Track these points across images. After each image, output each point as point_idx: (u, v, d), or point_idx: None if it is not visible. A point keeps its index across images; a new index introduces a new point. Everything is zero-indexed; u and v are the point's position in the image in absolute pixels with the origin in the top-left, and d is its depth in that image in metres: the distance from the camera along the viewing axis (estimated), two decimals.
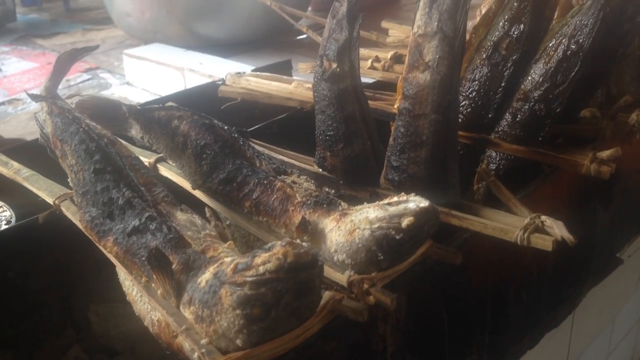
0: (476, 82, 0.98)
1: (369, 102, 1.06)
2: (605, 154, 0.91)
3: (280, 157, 1.00)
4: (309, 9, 3.29)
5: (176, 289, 0.66)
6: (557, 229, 0.76)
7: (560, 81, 0.90)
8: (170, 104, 1.17)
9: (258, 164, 0.85)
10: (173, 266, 0.67)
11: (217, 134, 0.87)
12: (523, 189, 0.91)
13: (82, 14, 3.57)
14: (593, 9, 0.87)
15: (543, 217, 0.79)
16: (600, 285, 1.34)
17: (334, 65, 0.88)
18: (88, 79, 2.66)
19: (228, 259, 0.63)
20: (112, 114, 0.96)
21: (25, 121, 2.26)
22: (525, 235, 0.77)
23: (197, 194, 0.89)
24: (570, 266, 1.10)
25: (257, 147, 1.02)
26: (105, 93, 2.53)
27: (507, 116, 0.96)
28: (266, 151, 1.02)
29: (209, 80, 2.01)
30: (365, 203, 0.74)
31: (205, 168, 0.86)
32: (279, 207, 0.78)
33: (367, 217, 0.69)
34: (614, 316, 1.75)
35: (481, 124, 0.98)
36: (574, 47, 0.89)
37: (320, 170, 0.94)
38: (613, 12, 0.94)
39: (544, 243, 0.76)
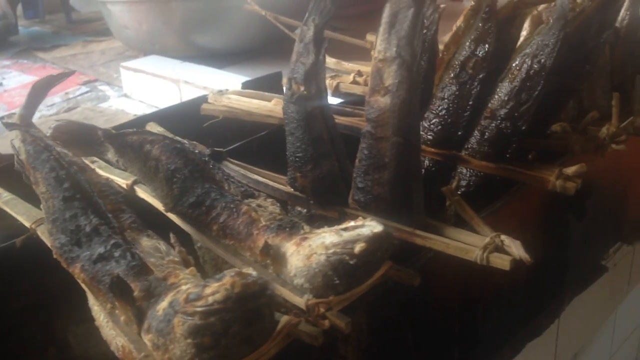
0: (446, 100, 0.99)
1: (350, 118, 1.08)
2: (570, 170, 0.92)
3: (255, 176, 1.02)
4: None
5: (137, 316, 0.68)
6: (515, 249, 0.78)
7: (524, 99, 0.92)
8: (151, 124, 1.20)
9: (227, 187, 0.87)
10: (135, 293, 0.69)
11: (188, 158, 0.89)
12: (490, 206, 0.93)
13: (83, 26, 3.60)
14: (554, 29, 0.89)
15: (503, 237, 0.80)
16: (585, 293, 1.35)
17: (302, 88, 0.90)
18: (87, 92, 2.69)
19: (184, 287, 0.65)
20: (89, 139, 0.99)
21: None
22: (485, 255, 0.78)
23: (171, 216, 0.91)
24: (547, 277, 1.11)
25: (233, 166, 1.05)
26: (103, 105, 2.56)
27: (476, 134, 0.97)
28: (241, 171, 1.04)
29: (204, 91, 2.03)
30: (325, 227, 0.76)
31: (176, 192, 0.88)
32: (244, 231, 0.80)
33: (323, 243, 0.71)
34: (614, 320, 1.76)
35: (452, 141, 1.00)
36: (536, 66, 0.90)
37: (292, 190, 0.96)
38: (578, 30, 0.95)
39: (502, 262, 0.77)
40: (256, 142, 1.20)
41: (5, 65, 3.07)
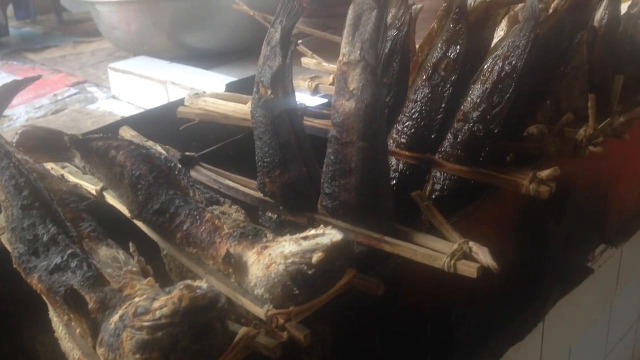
0: (418, 102, 0.97)
1: (326, 121, 1.06)
2: (544, 173, 0.91)
3: (227, 181, 1.01)
4: None
5: (92, 328, 0.66)
6: (482, 256, 0.76)
7: (496, 102, 0.90)
8: (124, 127, 1.19)
9: (192, 194, 0.85)
10: (90, 305, 0.67)
11: (153, 164, 0.88)
12: (462, 210, 0.91)
13: (74, 27, 3.58)
14: (524, 30, 0.87)
15: (471, 243, 0.78)
16: (571, 295, 1.34)
17: (269, 92, 0.89)
18: (75, 93, 2.67)
19: (136, 300, 0.63)
20: (56, 144, 0.97)
21: (10, 139, 2.27)
22: (452, 262, 0.77)
23: (138, 223, 0.90)
24: (526, 280, 1.09)
25: (205, 171, 1.04)
26: (91, 107, 2.54)
27: (449, 136, 0.95)
28: (213, 175, 1.03)
29: (190, 92, 2.01)
30: (287, 235, 0.74)
31: (140, 198, 0.86)
32: (207, 239, 0.79)
33: (282, 252, 0.69)
34: (608, 320, 1.75)
35: (425, 144, 0.98)
36: (507, 68, 0.89)
37: (262, 195, 0.94)
38: (551, 31, 0.94)
39: (469, 270, 0.76)
40: (231, 145, 1.19)
41: None
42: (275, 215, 0.94)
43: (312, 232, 0.71)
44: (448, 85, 0.95)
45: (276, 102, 0.88)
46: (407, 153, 0.99)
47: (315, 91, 1.32)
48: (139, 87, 2.42)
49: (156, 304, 0.57)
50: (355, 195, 0.82)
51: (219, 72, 2.39)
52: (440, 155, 0.97)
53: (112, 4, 2.72)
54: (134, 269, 0.73)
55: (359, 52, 0.79)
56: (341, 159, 0.81)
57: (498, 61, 0.90)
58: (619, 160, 1.23)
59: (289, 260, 0.68)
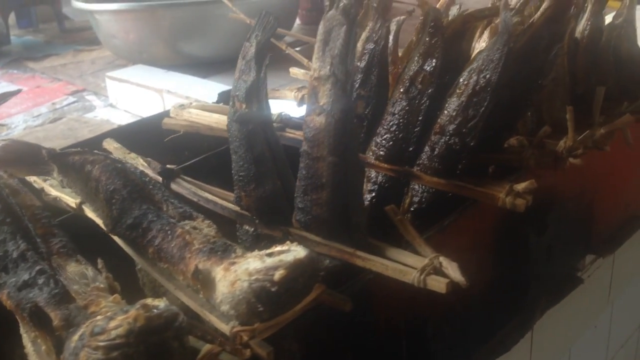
0: (396, 115, 0.97)
1: None
2: (520, 186, 0.90)
3: (206, 194, 1.01)
4: (297, 22, 3.29)
5: (57, 346, 0.67)
6: (451, 271, 0.76)
7: (471, 115, 0.90)
8: (108, 140, 1.19)
9: (165, 209, 0.85)
10: (54, 322, 0.67)
11: (127, 178, 0.88)
12: (437, 224, 0.91)
13: (75, 35, 3.60)
14: (498, 44, 0.87)
15: (441, 258, 0.78)
16: (561, 305, 1.33)
17: (243, 106, 0.89)
18: (73, 102, 2.68)
19: (99, 318, 0.63)
20: (34, 158, 0.97)
21: None
22: (422, 277, 0.76)
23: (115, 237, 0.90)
24: (509, 291, 1.09)
25: (185, 184, 1.04)
26: (89, 115, 2.55)
27: (427, 149, 0.95)
28: (193, 188, 1.03)
29: (186, 101, 2.02)
30: (255, 252, 0.74)
31: (115, 213, 0.87)
32: (177, 254, 0.79)
33: (247, 269, 0.69)
34: (609, 326, 1.73)
35: (403, 157, 0.98)
36: (482, 81, 0.88)
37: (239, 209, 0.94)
38: (528, 44, 0.93)
39: (438, 285, 0.76)
40: (215, 157, 1.19)
41: None
42: (252, 229, 0.94)
43: (278, 248, 0.70)
44: (425, 98, 0.95)
45: (250, 116, 0.88)
46: (385, 166, 0.99)
47: (301, 101, 1.32)
48: (135, 95, 2.43)
49: (112, 324, 0.57)
50: (326, 210, 0.82)
51: (215, 81, 2.40)
52: (418, 168, 0.96)
53: (110, 13, 2.73)
54: (102, 285, 0.73)
55: (329, 67, 0.79)
56: (312, 174, 0.82)
57: (473, 74, 0.90)
58: (604, 171, 1.22)
59: (253, 277, 0.68)
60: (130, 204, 0.86)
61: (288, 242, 0.72)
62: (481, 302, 1.03)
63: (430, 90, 0.95)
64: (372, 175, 1.02)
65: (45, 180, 1.06)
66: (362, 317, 0.82)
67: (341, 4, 0.78)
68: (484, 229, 0.98)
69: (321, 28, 0.80)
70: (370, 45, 1.00)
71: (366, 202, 1.02)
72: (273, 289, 0.66)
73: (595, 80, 1.15)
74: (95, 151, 0.94)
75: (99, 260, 0.77)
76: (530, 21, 0.93)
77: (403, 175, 0.98)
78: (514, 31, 0.94)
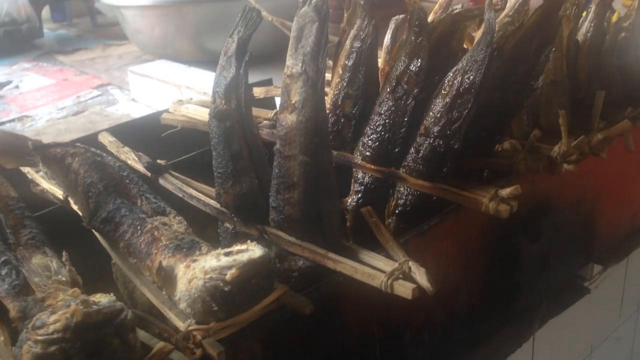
0: (382, 115, 0.95)
1: None
2: (505, 191, 0.87)
3: (191, 190, 1.00)
4: None
5: (12, 337, 0.67)
6: (419, 277, 0.74)
7: (455, 117, 0.87)
8: (103, 133, 1.19)
9: (139, 203, 0.85)
10: (11, 314, 0.67)
11: (105, 172, 0.88)
12: (417, 227, 0.89)
13: (106, 30, 3.64)
14: (482, 44, 0.84)
15: (411, 263, 0.76)
16: (564, 315, 1.29)
17: (222, 103, 0.88)
18: (97, 95, 2.71)
19: (43, 312, 0.63)
20: (21, 150, 0.98)
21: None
22: (389, 282, 0.74)
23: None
24: (497, 301, 1.06)
25: (172, 179, 1.03)
26: (111, 109, 2.58)
27: (412, 151, 0.93)
28: (179, 184, 1.02)
29: (204, 97, 2.03)
30: (218, 249, 0.73)
31: (91, 206, 0.87)
32: (145, 250, 0.78)
33: (203, 267, 0.68)
34: (632, 340, 1.68)
35: (389, 158, 0.96)
36: (466, 83, 0.86)
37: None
38: (518, 45, 0.91)
39: (405, 291, 0.74)
40: (207, 153, 1.18)
41: (25, 68, 3.13)
42: (232, 226, 0.93)
43: (237, 247, 0.69)
44: (410, 99, 0.93)
45: (228, 113, 0.87)
46: (372, 166, 0.97)
47: None
48: (156, 90, 2.45)
49: (52, 318, 0.57)
50: (298, 210, 0.81)
51: None
52: (404, 170, 0.94)
53: (136, 8, 2.75)
54: (63, 278, 0.73)
55: (300, 64, 0.77)
56: (284, 173, 0.80)
57: (458, 75, 0.87)
58: (608, 177, 1.18)
59: (208, 276, 0.67)
60: (106, 197, 0.86)
61: (249, 241, 0.71)
62: (466, 308, 1.01)
63: (415, 91, 0.92)
64: (359, 176, 1.00)
65: (38, 172, 1.07)
66: (331, 321, 0.81)
67: (313, 1, 0.76)
68: (469, 234, 0.95)
69: (294, 25, 0.79)
70: (358, 44, 0.98)
71: (352, 203, 1.00)
72: (226, 289, 0.66)
73: (599, 83, 1.11)
74: (77, 144, 0.94)
75: (64, 253, 0.76)
76: (521, 22, 0.90)
77: (389, 177, 0.96)
78: (505, 32, 0.91)
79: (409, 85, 0.92)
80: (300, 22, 0.78)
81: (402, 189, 0.96)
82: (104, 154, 0.93)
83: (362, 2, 0.96)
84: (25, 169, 1.08)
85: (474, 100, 0.86)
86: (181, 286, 0.70)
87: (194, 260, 0.72)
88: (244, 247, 0.69)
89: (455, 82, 0.87)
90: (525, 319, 1.18)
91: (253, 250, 0.67)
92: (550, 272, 1.13)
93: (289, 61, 0.79)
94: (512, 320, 1.12)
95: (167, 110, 1.32)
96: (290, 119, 0.79)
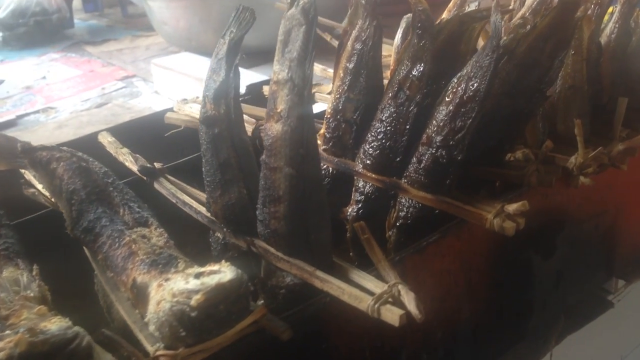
0: (384, 122, 0.90)
1: None
2: (511, 207, 0.81)
3: (184, 197, 0.96)
4: None
5: None
6: (407, 302, 0.69)
7: (459, 127, 0.81)
8: (103, 133, 1.16)
9: (121, 213, 0.81)
10: None
11: (88, 178, 0.84)
12: (416, 244, 0.83)
13: (137, 20, 3.63)
14: (487, 49, 0.78)
15: (400, 286, 0.71)
16: (585, 330, 1.23)
17: (211, 108, 0.83)
18: (122, 87, 2.70)
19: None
20: (9, 152, 0.95)
21: (51, 131, 2.31)
22: (376, 306, 0.69)
23: None
24: (507, 319, 1.00)
25: (167, 184, 0.99)
26: (133, 102, 2.56)
27: (414, 161, 0.87)
28: (173, 189, 0.98)
29: None
30: (194, 268, 0.69)
31: (74, 214, 0.83)
32: (121, 264, 0.74)
33: (171, 289, 0.64)
34: None
35: (391, 167, 0.91)
36: (470, 90, 0.80)
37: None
38: (530, 50, 0.84)
39: (392, 317, 0.68)
40: None
41: (54, 58, 3.13)
42: (222, 237, 0.88)
43: (210, 268, 0.65)
44: (413, 106, 0.87)
45: (217, 119, 0.82)
46: (373, 175, 0.92)
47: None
48: (178, 83, 2.42)
49: None
50: (284, 224, 0.76)
51: (259, 71, 2.36)
52: (405, 180, 0.89)
53: (162, 0, 2.73)
54: (32, 294, 0.69)
55: (287, 71, 0.72)
56: (270, 185, 0.75)
57: (462, 82, 0.81)
58: (632, 188, 1.11)
59: (175, 299, 0.62)
60: (88, 206, 0.82)
61: (223, 261, 0.66)
62: (472, 328, 0.95)
63: (418, 97, 0.86)
64: (360, 185, 0.94)
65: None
66: (318, 344, 0.76)
67: (301, 2, 0.71)
68: (473, 250, 0.89)
69: (281, 28, 0.74)
70: (359, 45, 0.92)
71: (353, 213, 0.95)
72: (192, 314, 0.61)
73: (624, 88, 1.04)
74: (64, 148, 0.90)
75: (35, 267, 0.73)
76: (534, 24, 0.83)
77: (390, 187, 0.91)
78: (516, 34, 0.85)
79: (411, 91, 0.87)
80: (287, 25, 0.73)
81: (403, 200, 0.91)
82: (90, 159, 0.89)
83: (363, 2, 0.90)
84: (23, 170, 1.05)
85: (478, 109, 0.80)
86: (151, 307, 0.66)
87: (167, 279, 0.67)
88: (216, 267, 0.64)
89: (459, 89, 0.81)
90: (540, 336, 1.11)
91: (224, 273, 0.63)
92: (566, 288, 1.06)
93: (275, 66, 0.74)
94: (524, 338, 1.06)
95: (172, 109, 1.28)
96: (275, 128, 0.74)
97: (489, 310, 0.96)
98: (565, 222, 1.00)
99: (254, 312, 0.68)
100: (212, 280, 0.62)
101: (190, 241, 0.96)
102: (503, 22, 0.93)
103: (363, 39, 0.92)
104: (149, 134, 1.28)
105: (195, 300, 0.60)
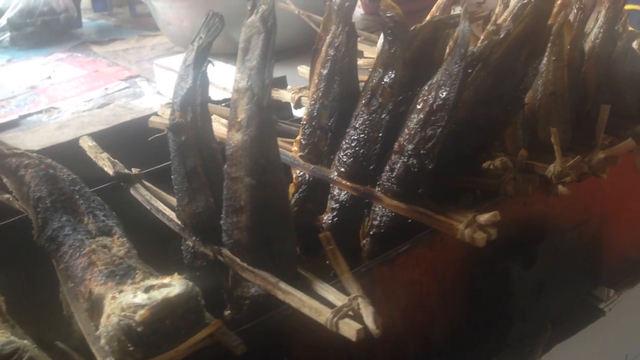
0: (357, 129, 0.88)
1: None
2: (483, 218, 0.79)
3: (157, 204, 0.95)
4: (361, 12, 3.20)
5: None
6: (365, 316, 0.67)
7: (429, 135, 0.79)
8: (84, 137, 1.15)
9: (85, 221, 0.80)
10: None
11: (55, 186, 0.84)
12: (384, 255, 0.81)
13: (144, 20, 3.64)
14: (456, 57, 0.76)
15: (360, 300, 0.69)
16: (577, 338, 1.20)
17: (178, 115, 0.82)
18: (125, 88, 2.70)
19: None
20: None
21: (52, 131, 2.31)
22: (335, 319, 0.68)
23: None
24: (485, 330, 0.98)
25: (143, 190, 0.99)
26: (136, 102, 2.56)
27: (387, 169, 0.86)
28: (148, 196, 0.97)
29: (223, 92, 1.98)
30: (149, 280, 0.68)
31: (40, 222, 0.83)
32: (80, 275, 0.74)
33: (120, 303, 0.63)
34: None
35: (365, 175, 0.89)
36: (440, 99, 0.78)
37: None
38: (504, 57, 0.82)
39: (349, 331, 0.67)
40: None
41: (60, 58, 3.14)
42: (192, 245, 0.87)
43: (161, 281, 0.64)
44: (385, 113, 0.85)
45: (184, 127, 0.81)
46: (347, 183, 0.90)
47: (298, 104, 1.24)
48: None
49: None
50: (246, 235, 0.75)
51: None
52: (379, 189, 0.87)
53: (166, 0, 2.73)
54: None
55: (247, 79, 0.71)
56: (232, 195, 0.74)
57: (432, 90, 0.79)
58: (618, 196, 1.08)
59: (123, 314, 0.61)
60: (52, 214, 0.81)
61: (176, 274, 0.65)
62: (446, 339, 0.93)
63: (390, 105, 0.85)
64: (335, 193, 0.93)
65: None
66: (279, 357, 0.74)
67: (260, 10, 0.70)
68: (446, 260, 0.87)
69: (242, 35, 0.72)
70: (332, 51, 0.91)
71: (328, 221, 0.93)
72: (139, 329, 0.60)
73: (609, 95, 1.01)
74: (33, 154, 0.90)
75: None
76: (507, 31, 0.81)
77: (364, 195, 0.89)
78: (490, 42, 0.83)
79: (384, 99, 0.85)
80: (247, 32, 0.71)
81: (377, 209, 0.89)
82: (59, 166, 0.88)
83: (335, 8, 0.89)
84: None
85: (448, 117, 0.78)
86: (102, 320, 0.65)
87: (121, 291, 0.67)
88: (167, 280, 0.63)
89: (429, 97, 0.80)
90: (526, 345, 1.09)
91: (173, 287, 0.62)
92: (549, 297, 1.04)
93: (236, 75, 0.73)
94: (505, 348, 1.04)
95: (156, 113, 1.27)
96: (236, 137, 0.72)
97: (465, 321, 0.94)
98: (546, 231, 0.98)
99: (209, 325, 0.66)
100: (159, 295, 0.61)
101: (172, 248, 0.95)
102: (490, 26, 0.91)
103: (336, 45, 0.90)
104: (141, 138, 1.27)
105: (139, 315, 0.59)
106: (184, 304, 0.61)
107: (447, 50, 0.87)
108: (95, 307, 0.69)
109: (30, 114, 2.50)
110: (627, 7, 1.58)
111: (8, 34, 3.24)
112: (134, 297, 0.62)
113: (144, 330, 0.60)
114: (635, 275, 1.18)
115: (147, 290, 0.63)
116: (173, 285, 0.62)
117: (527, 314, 1.02)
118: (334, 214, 0.93)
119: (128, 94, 2.64)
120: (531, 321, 1.04)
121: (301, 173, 0.98)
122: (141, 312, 0.59)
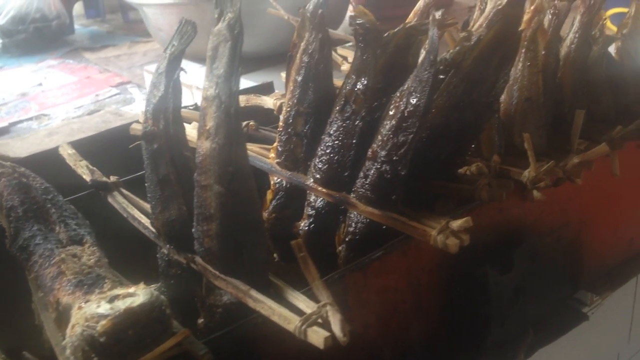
0: (332, 136, 0.88)
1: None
2: (455, 224, 0.79)
3: (134, 212, 0.95)
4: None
5: None
6: (333, 324, 0.67)
7: (401, 142, 0.79)
8: (64, 145, 1.15)
9: (57, 230, 0.80)
10: None
11: (27, 195, 0.84)
12: (358, 261, 0.81)
13: (137, 26, 3.64)
14: (425, 64, 0.76)
15: (328, 307, 0.69)
16: (561, 342, 1.20)
17: (151, 123, 0.82)
18: (116, 94, 2.70)
19: None
20: None
21: (41, 138, 2.31)
22: (303, 327, 0.68)
23: None
24: (462, 335, 0.98)
25: (120, 198, 0.99)
26: (126, 108, 2.56)
27: (361, 175, 0.86)
28: (125, 204, 0.97)
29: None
30: (116, 289, 0.67)
31: (12, 231, 0.82)
32: (49, 284, 0.73)
33: (84, 313, 0.63)
34: None
35: (340, 182, 0.89)
36: (410, 105, 0.78)
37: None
38: (476, 64, 0.82)
39: (317, 339, 0.67)
40: None
41: (52, 65, 3.14)
42: (167, 253, 0.87)
43: (125, 291, 0.64)
44: (358, 120, 0.85)
45: (155, 135, 0.81)
46: (323, 190, 0.90)
47: (280, 110, 1.23)
48: None
49: None
50: (217, 243, 0.75)
51: (252, 78, 2.34)
52: (354, 195, 0.87)
53: (157, 6, 2.72)
54: None
55: (214, 87, 0.71)
56: (202, 203, 0.74)
57: (404, 96, 0.79)
58: (597, 201, 1.08)
59: (86, 324, 0.61)
60: (24, 223, 0.81)
61: (142, 284, 0.65)
62: (423, 345, 0.93)
63: (363, 111, 0.85)
64: (312, 199, 0.93)
65: None
66: None
67: (227, 18, 0.70)
68: (421, 267, 0.87)
69: (209, 43, 0.72)
70: (306, 58, 0.91)
71: (305, 228, 0.93)
72: (101, 340, 0.60)
73: (586, 99, 1.01)
74: (7, 163, 0.90)
75: None
76: (478, 37, 0.81)
77: (339, 202, 0.89)
78: (462, 48, 0.83)
79: (357, 105, 0.85)
80: (214, 40, 0.71)
81: (352, 215, 0.89)
82: (32, 175, 0.88)
83: (308, 15, 0.89)
84: None
85: (419, 124, 0.78)
86: (67, 330, 0.65)
87: (87, 301, 0.66)
88: (132, 290, 0.63)
89: (401, 103, 0.80)
90: (507, 350, 1.09)
91: (137, 297, 0.61)
92: (528, 302, 1.04)
93: (204, 83, 0.73)
94: (484, 354, 1.04)
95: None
96: (205, 145, 0.72)
97: (442, 327, 0.94)
98: (524, 236, 0.98)
99: (177, 334, 0.66)
100: (122, 305, 0.60)
101: (152, 256, 0.95)
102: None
103: (310, 51, 0.90)
104: (125, 145, 1.27)
105: (101, 325, 0.59)
106: (147, 313, 0.61)
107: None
108: (63, 317, 0.68)
109: (20, 121, 2.49)
110: (612, 11, 1.58)
111: (0, 42, 3.23)
112: (97, 307, 0.62)
113: (107, 340, 0.60)
114: (616, 279, 1.18)
115: (112, 300, 0.62)
116: (137, 295, 0.62)
117: (505, 319, 1.01)
118: (311, 220, 0.93)
119: (119, 100, 2.63)
120: (510, 326, 1.04)
121: (278, 180, 0.98)
122: (103, 322, 0.59)
